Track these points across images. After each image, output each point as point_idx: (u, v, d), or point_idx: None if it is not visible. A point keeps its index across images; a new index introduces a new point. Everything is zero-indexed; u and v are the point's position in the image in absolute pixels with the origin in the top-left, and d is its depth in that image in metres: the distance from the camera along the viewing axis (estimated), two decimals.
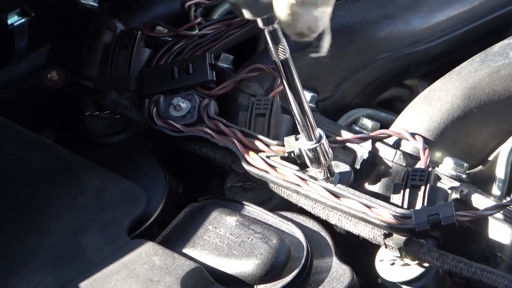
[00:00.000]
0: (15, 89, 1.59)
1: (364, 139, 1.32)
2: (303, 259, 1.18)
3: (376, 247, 1.22)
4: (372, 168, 1.31)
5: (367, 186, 1.29)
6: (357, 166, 1.30)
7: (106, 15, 1.55)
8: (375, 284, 1.25)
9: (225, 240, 1.20)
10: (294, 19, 0.85)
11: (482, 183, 1.31)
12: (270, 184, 1.28)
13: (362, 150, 1.31)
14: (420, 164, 1.27)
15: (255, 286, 1.17)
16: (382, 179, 1.29)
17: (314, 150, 1.16)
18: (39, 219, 1.26)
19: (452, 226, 1.15)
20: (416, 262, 1.20)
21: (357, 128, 1.38)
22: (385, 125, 1.42)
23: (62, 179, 1.32)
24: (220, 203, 1.29)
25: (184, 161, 1.48)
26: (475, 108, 1.34)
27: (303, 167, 1.24)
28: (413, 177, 1.22)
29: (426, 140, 1.30)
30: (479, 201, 1.25)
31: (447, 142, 1.33)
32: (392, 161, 1.30)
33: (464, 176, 1.29)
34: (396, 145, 1.31)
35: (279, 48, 1.03)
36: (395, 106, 1.61)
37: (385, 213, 1.18)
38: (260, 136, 1.30)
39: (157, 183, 1.37)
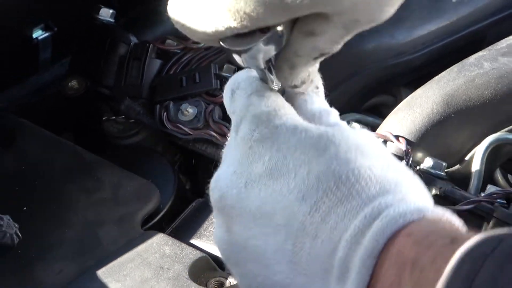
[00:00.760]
0: (40, 96, 1.60)
1: None
2: None
3: None
4: None
5: None
6: None
7: (121, 29, 1.59)
8: None
9: None
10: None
11: (459, 180, 1.33)
12: None
13: None
14: (404, 163, 1.23)
15: None
16: None
17: None
18: (61, 213, 1.27)
19: None
20: None
21: None
22: (372, 128, 1.45)
23: (81, 177, 1.33)
24: None
25: (192, 161, 1.50)
26: (452, 113, 1.35)
27: None
28: None
29: (408, 142, 1.33)
30: (456, 197, 1.27)
31: (428, 144, 1.35)
32: None
33: (443, 174, 1.31)
34: None
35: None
36: (381, 111, 1.64)
37: None
38: None
39: (167, 180, 1.38)
